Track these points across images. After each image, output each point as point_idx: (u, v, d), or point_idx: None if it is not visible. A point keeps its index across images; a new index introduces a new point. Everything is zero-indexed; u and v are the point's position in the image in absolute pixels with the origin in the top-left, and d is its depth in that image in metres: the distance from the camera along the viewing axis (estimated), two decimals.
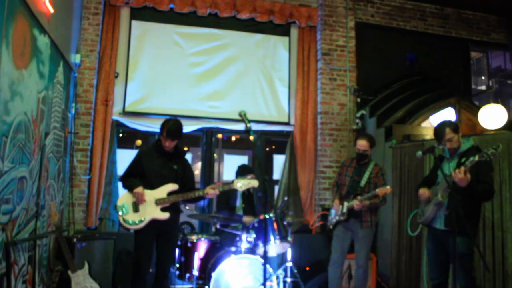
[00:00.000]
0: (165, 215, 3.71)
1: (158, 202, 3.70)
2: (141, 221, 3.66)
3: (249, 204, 5.21)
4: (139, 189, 3.66)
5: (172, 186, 3.76)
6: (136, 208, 3.68)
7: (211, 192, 3.78)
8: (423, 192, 3.62)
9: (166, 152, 3.81)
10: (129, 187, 3.73)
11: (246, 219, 4.94)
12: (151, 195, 3.70)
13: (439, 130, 3.53)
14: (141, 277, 3.69)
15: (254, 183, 3.83)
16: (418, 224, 3.81)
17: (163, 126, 3.75)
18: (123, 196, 3.78)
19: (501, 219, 4.24)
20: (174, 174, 3.82)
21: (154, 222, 3.68)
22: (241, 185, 3.82)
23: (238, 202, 5.20)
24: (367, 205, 4.18)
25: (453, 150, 3.52)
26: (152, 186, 3.73)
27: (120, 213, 3.70)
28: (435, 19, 7.11)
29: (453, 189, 3.26)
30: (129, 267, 4.81)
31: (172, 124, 3.74)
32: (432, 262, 3.64)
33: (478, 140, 4.44)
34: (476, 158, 3.20)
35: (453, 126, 3.50)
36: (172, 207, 3.77)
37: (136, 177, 3.78)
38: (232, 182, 3.89)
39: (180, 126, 3.79)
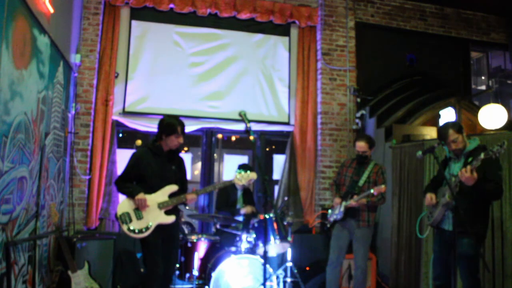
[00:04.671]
0: (171, 219, 3.60)
1: (161, 206, 3.58)
2: (147, 228, 3.52)
3: (250, 202, 5.23)
4: (141, 195, 3.51)
5: (172, 188, 3.64)
6: (139, 215, 3.54)
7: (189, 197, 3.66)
8: (430, 197, 3.59)
9: (163, 153, 3.68)
10: (129, 193, 3.58)
11: (246, 209, 4.95)
12: (152, 199, 3.57)
13: (443, 131, 3.51)
14: (159, 278, 3.55)
15: (253, 175, 3.80)
16: (427, 226, 3.76)
17: (171, 124, 3.60)
18: (122, 204, 3.60)
19: (501, 219, 4.24)
20: (174, 175, 3.71)
21: (159, 227, 3.56)
22: (240, 178, 3.78)
23: (239, 203, 5.21)
24: (364, 203, 4.19)
25: (459, 150, 3.48)
26: (153, 189, 3.60)
27: (123, 223, 3.52)
28: (435, 19, 7.11)
29: (460, 189, 3.26)
30: (129, 267, 4.81)
31: (179, 120, 3.65)
32: (436, 263, 3.62)
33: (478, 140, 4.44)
34: (482, 156, 3.16)
35: (457, 127, 3.46)
36: (175, 209, 3.68)
37: (133, 181, 3.64)
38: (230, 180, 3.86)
39: None
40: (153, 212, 3.56)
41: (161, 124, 3.67)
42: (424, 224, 3.94)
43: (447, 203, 3.41)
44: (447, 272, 3.54)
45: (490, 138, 4.48)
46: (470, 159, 3.34)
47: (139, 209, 3.54)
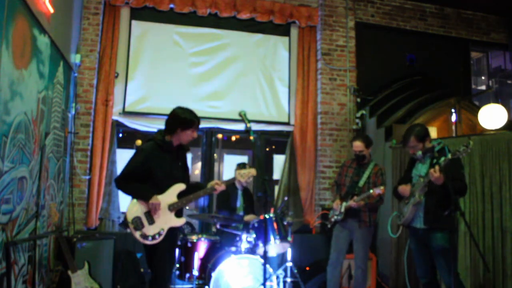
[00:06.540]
0: (182, 221, 3.36)
1: (171, 207, 3.29)
2: (159, 234, 3.24)
3: (250, 203, 5.23)
4: (156, 199, 3.22)
5: (180, 187, 3.35)
6: (151, 220, 3.25)
7: (219, 188, 3.43)
8: (403, 188, 3.67)
9: (172, 150, 3.38)
10: (139, 196, 3.28)
11: (248, 217, 4.94)
12: (162, 200, 3.27)
13: (405, 135, 3.60)
14: (168, 284, 3.37)
15: (253, 171, 3.51)
16: (398, 226, 3.83)
17: (190, 118, 3.33)
18: (132, 207, 3.29)
19: (501, 219, 4.24)
20: (182, 173, 3.44)
21: (169, 230, 3.30)
22: (242, 174, 3.51)
23: (239, 203, 5.21)
24: (362, 205, 4.19)
25: (425, 151, 3.57)
26: (161, 189, 3.29)
27: (135, 229, 3.22)
28: (435, 19, 7.11)
29: (429, 188, 3.42)
30: (129, 267, 4.81)
31: (194, 113, 3.38)
32: (417, 261, 3.70)
33: (478, 140, 4.44)
34: (449, 156, 3.27)
35: (420, 136, 3.53)
36: (181, 210, 3.43)
37: (140, 181, 3.29)
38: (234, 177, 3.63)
39: None
40: (164, 215, 3.28)
41: (175, 117, 3.36)
42: (394, 224, 3.98)
43: (418, 202, 3.52)
44: (430, 269, 3.62)
45: (490, 138, 4.48)
46: (435, 160, 3.43)
47: (150, 213, 3.26)
